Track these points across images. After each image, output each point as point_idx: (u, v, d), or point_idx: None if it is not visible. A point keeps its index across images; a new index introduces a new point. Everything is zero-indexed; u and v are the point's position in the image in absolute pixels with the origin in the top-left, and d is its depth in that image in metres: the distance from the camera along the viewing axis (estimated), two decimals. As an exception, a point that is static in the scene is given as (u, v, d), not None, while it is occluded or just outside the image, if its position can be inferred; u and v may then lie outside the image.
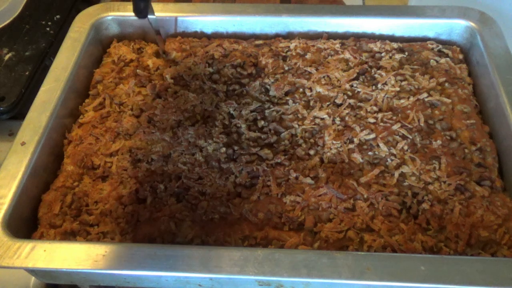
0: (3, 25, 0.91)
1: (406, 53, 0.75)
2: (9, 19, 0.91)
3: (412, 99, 0.68)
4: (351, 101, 0.69)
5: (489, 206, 0.57)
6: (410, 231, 0.56)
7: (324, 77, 0.72)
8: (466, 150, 0.63)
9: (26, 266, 0.51)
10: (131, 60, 0.77)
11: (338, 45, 0.77)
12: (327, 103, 0.69)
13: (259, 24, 0.80)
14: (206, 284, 0.55)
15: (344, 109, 0.68)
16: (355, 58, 0.74)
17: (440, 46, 0.76)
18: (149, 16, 0.70)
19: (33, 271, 0.57)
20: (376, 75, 0.72)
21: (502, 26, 0.74)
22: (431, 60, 0.74)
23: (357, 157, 0.62)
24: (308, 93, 0.71)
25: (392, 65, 0.73)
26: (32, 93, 0.80)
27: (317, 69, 0.73)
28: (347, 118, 0.67)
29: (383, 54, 0.75)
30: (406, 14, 0.79)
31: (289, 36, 0.80)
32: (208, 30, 0.81)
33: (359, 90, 0.70)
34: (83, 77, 0.74)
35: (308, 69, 0.73)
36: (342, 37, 0.79)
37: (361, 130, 0.65)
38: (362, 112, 0.67)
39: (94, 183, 0.62)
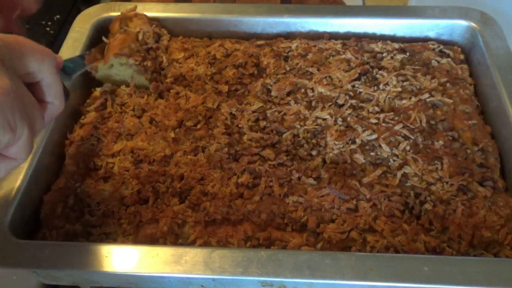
0: (3, 24, 0.91)
1: (408, 54, 0.75)
2: (10, 19, 0.91)
3: (413, 99, 0.68)
4: (353, 101, 0.69)
5: (491, 206, 0.57)
6: (413, 232, 0.56)
7: (325, 77, 0.72)
8: (468, 151, 0.63)
9: (28, 268, 0.51)
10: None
11: (339, 46, 0.77)
12: (329, 104, 0.69)
13: (260, 24, 0.80)
14: (209, 285, 0.55)
15: (346, 109, 0.68)
16: (356, 58, 0.74)
17: (441, 47, 0.76)
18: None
19: (35, 272, 0.57)
20: (377, 76, 0.72)
21: (503, 27, 0.74)
22: (433, 61, 0.74)
23: (359, 157, 0.62)
24: (310, 94, 0.71)
25: (393, 65, 0.73)
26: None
27: (318, 70, 0.73)
28: (349, 119, 0.67)
29: (384, 55, 0.75)
30: (407, 14, 0.79)
31: (290, 36, 0.80)
32: (209, 30, 0.81)
33: (360, 90, 0.70)
34: (84, 78, 0.73)
35: (310, 69, 0.73)
36: (343, 38, 0.79)
37: (363, 131, 0.65)
38: (364, 113, 0.68)
39: (96, 184, 0.62)
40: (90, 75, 0.72)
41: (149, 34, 0.73)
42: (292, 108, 0.69)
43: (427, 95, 0.69)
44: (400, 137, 0.64)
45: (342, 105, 0.69)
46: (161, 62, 0.75)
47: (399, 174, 0.61)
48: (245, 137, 0.66)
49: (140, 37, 0.71)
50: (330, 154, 0.63)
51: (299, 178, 0.61)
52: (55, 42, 0.89)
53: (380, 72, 0.72)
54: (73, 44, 0.75)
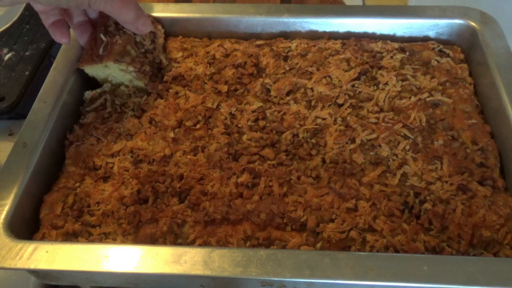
0: (3, 25, 0.91)
1: (407, 53, 0.75)
2: (10, 19, 0.91)
3: (413, 99, 0.68)
4: (353, 101, 0.69)
5: (491, 206, 0.57)
6: (413, 231, 0.56)
7: (325, 77, 0.72)
8: (468, 150, 0.63)
9: (28, 267, 0.51)
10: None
11: (339, 45, 0.77)
12: (329, 103, 0.69)
13: (260, 24, 0.80)
14: (208, 284, 0.55)
15: (346, 109, 0.68)
16: (356, 58, 0.74)
17: (441, 46, 0.76)
18: None
19: (35, 272, 0.57)
20: (377, 75, 0.72)
21: (503, 26, 0.74)
22: (432, 60, 0.74)
23: (359, 157, 0.62)
24: (309, 93, 0.71)
25: (393, 65, 0.73)
26: (32, 93, 0.80)
27: (318, 69, 0.73)
28: (348, 118, 0.67)
29: (384, 54, 0.75)
30: (407, 14, 0.79)
31: (290, 36, 0.80)
32: (209, 30, 0.81)
33: (360, 90, 0.70)
34: (84, 78, 0.73)
35: (309, 69, 0.73)
36: (343, 37, 0.79)
37: (363, 130, 0.65)
38: (364, 112, 0.68)
39: (96, 184, 0.62)
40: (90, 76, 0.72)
41: (146, 35, 0.73)
42: (292, 108, 0.69)
43: (426, 94, 0.69)
44: (399, 136, 0.64)
45: (342, 105, 0.69)
46: (159, 62, 0.75)
47: (398, 173, 0.61)
48: (244, 137, 0.66)
49: (138, 39, 0.71)
50: (330, 154, 0.63)
51: (298, 178, 0.61)
52: (55, 42, 0.89)
53: (379, 71, 0.72)
54: (73, 44, 0.75)
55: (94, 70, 0.71)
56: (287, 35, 0.80)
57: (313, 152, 0.64)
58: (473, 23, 0.76)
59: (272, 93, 0.71)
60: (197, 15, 0.80)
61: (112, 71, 0.70)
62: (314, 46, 0.77)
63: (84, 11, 0.69)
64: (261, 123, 0.67)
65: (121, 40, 0.69)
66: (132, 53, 0.70)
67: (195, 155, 0.64)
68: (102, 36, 0.69)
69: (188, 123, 0.68)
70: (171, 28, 0.81)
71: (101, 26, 0.69)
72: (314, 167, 0.62)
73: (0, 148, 0.79)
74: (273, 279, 0.51)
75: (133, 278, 0.56)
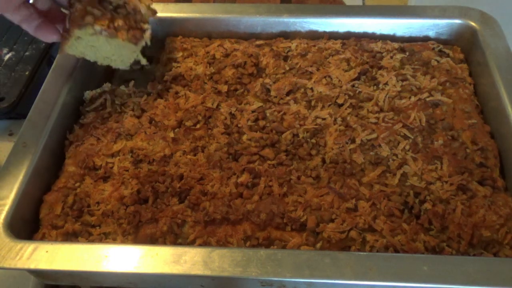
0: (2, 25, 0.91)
1: (407, 53, 0.75)
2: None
3: (413, 99, 0.68)
4: (353, 101, 0.69)
5: (491, 206, 0.57)
6: (412, 231, 0.56)
7: (325, 77, 0.72)
8: (468, 150, 0.63)
9: (28, 267, 0.51)
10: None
11: (339, 45, 0.77)
12: (329, 103, 0.69)
13: (260, 24, 0.80)
14: (208, 284, 0.55)
15: (346, 109, 0.68)
16: (356, 58, 0.74)
17: (441, 46, 0.76)
18: None
19: (35, 272, 0.57)
20: (377, 75, 0.72)
21: (503, 26, 0.74)
22: (432, 60, 0.74)
23: (359, 157, 0.62)
24: (309, 93, 0.71)
25: (393, 65, 0.73)
26: (32, 93, 0.81)
27: (318, 69, 0.73)
28: (348, 118, 0.67)
29: (384, 54, 0.75)
30: (407, 14, 0.79)
31: (290, 36, 0.80)
32: (209, 30, 0.81)
33: (360, 90, 0.70)
34: (84, 77, 0.73)
35: (309, 69, 0.73)
36: (343, 37, 0.79)
37: (363, 130, 0.65)
38: (364, 112, 0.68)
39: (96, 184, 0.62)
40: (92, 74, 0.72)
41: None
42: (292, 108, 0.69)
43: (426, 94, 0.69)
44: (399, 136, 0.64)
45: (342, 105, 0.69)
46: (136, 13, 0.67)
47: (398, 173, 0.61)
48: (244, 137, 0.66)
49: None
50: (330, 154, 0.63)
51: (298, 178, 0.61)
52: (55, 42, 0.89)
53: (379, 71, 0.72)
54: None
55: (74, 49, 0.67)
56: (287, 35, 0.80)
57: (313, 152, 0.64)
58: (473, 23, 0.76)
59: (272, 93, 0.71)
60: (197, 15, 0.81)
61: (86, 41, 0.66)
62: (314, 46, 0.77)
63: (57, 6, 0.66)
64: (261, 123, 0.67)
65: (81, 5, 0.64)
66: (96, 12, 0.64)
67: (195, 155, 0.64)
68: (65, 10, 0.65)
69: (188, 123, 0.68)
70: (171, 28, 0.81)
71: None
72: (314, 167, 0.62)
73: (0, 148, 0.79)
74: (273, 279, 0.51)
75: (133, 278, 0.56)
